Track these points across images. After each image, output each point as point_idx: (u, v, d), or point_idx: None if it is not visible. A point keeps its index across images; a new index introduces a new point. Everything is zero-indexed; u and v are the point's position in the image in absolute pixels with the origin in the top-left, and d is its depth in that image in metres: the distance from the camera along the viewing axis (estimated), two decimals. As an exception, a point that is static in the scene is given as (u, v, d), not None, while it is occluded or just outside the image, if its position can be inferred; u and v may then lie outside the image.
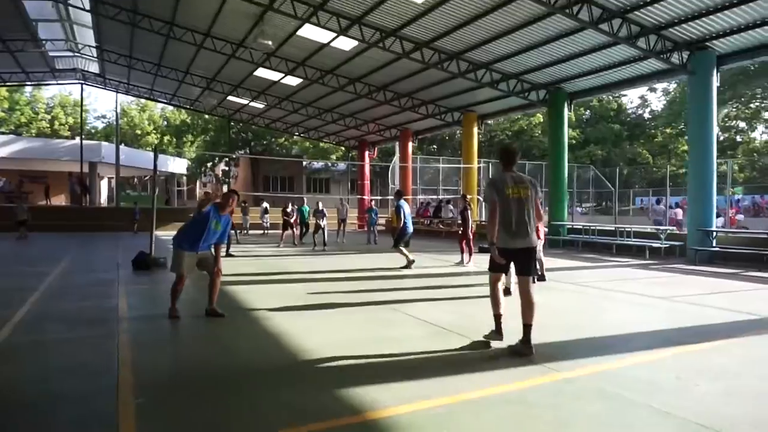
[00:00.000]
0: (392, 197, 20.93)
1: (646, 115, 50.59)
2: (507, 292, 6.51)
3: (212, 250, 6.20)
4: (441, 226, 23.36)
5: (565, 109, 17.14)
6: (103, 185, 39.68)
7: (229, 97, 24.65)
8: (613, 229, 15.95)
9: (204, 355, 4.59)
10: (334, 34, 15.21)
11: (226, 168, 39.77)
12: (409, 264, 10.70)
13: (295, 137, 36.88)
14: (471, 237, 11.98)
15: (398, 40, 14.54)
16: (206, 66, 20.85)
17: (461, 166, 27.27)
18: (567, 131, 17.22)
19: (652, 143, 49.75)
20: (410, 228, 11.20)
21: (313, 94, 22.54)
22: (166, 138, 51.07)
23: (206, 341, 5.21)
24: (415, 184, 28.17)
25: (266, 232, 25.14)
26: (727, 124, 48.09)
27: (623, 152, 43.63)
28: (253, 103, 25.50)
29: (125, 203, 28.04)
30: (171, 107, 55.97)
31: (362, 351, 4.56)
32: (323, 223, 15.71)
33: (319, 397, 3.45)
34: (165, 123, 54.50)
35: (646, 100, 49.27)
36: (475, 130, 21.60)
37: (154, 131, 51.63)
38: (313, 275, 9.74)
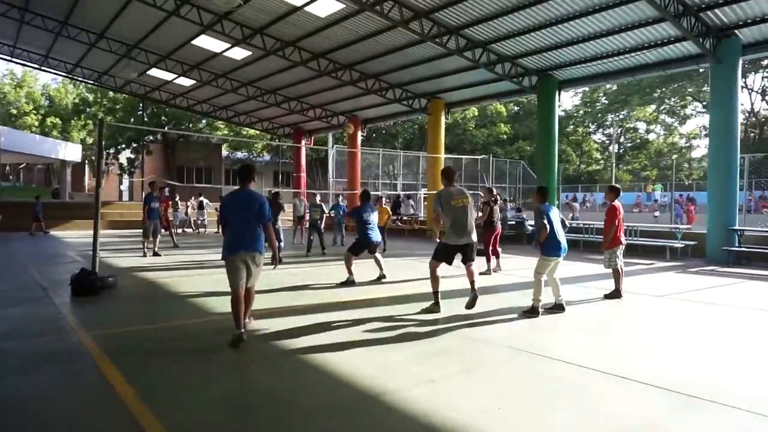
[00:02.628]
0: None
1: (560, 113, 52.44)
2: (561, 308, 6.36)
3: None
4: (400, 224, 21.45)
5: (556, 98, 15.92)
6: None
7: (152, 70, 20.62)
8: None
9: None
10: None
11: (132, 156, 34.52)
12: (347, 282, 8.31)
13: (217, 123, 32.82)
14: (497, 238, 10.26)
15: (397, 5, 12.27)
16: (131, 29, 16.92)
17: (420, 154, 25.75)
18: (557, 121, 15.99)
19: (569, 140, 51.89)
20: (373, 237, 8.64)
21: (260, 71, 19.39)
22: (50, 120, 43.79)
23: None
24: (364, 177, 26.00)
25: (201, 230, 21.63)
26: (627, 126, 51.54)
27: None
28: (180, 80, 21.63)
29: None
30: (56, 84, 48.54)
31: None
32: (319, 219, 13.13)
33: None
34: (48, 103, 46.86)
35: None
36: (443, 118, 19.87)
37: (34, 112, 44.07)
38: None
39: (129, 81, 22.77)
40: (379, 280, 8.72)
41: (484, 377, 3.98)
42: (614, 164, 41.76)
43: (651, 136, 51.47)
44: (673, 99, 44.07)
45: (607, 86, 42.86)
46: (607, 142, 53.24)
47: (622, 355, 4.56)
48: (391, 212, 22.55)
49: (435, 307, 6.20)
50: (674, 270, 10.66)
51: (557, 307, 6.31)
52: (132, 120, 31.97)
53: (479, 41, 14.07)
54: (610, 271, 7.59)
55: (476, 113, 41.14)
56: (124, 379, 3.80)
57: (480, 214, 10.22)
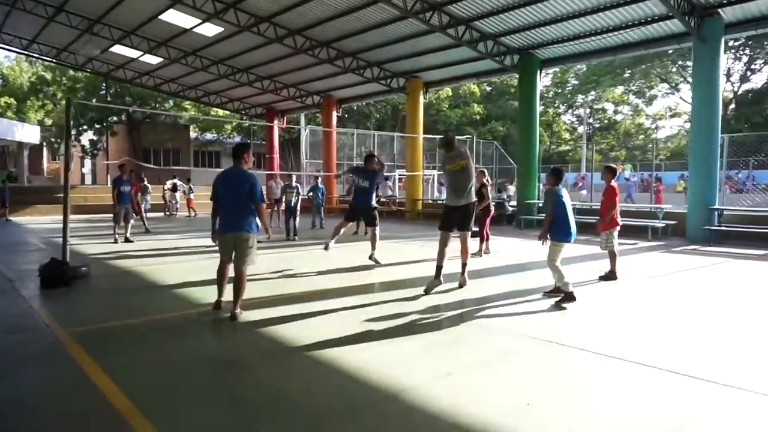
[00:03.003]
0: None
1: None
2: (559, 292, 5.99)
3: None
4: (378, 206, 21.10)
5: (538, 77, 15.76)
6: None
7: (116, 47, 19.54)
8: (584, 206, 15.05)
9: None
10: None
11: (95, 138, 32.97)
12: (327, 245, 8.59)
13: (185, 104, 31.60)
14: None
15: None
16: (93, 2, 15.87)
17: (395, 134, 25.41)
18: (538, 101, 15.85)
19: (540, 121, 52.33)
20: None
21: (232, 49, 18.59)
22: (4, 100, 41.36)
23: None
24: (338, 158, 25.49)
25: (173, 213, 20.85)
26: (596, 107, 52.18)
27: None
28: (146, 57, 20.59)
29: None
30: (9, 62, 45.78)
31: None
32: (294, 201, 12.65)
33: None
34: (1, 82, 44.22)
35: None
36: (421, 98, 19.52)
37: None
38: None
39: (91, 58, 21.58)
40: (371, 258, 8.43)
41: (503, 369, 3.77)
42: (585, 145, 42.28)
43: (619, 117, 52.31)
44: (640, 80, 44.70)
45: (578, 67, 43.13)
46: (577, 122, 53.88)
47: (641, 342, 4.42)
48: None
49: (435, 282, 6.36)
50: (659, 250, 10.72)
51: (557, 291, 6.12)
52: (94, 100, 30.47)
53: (462, 18, 13.72)
54: (605, 252, 7.51)
55: (450, 93, 40.85)
56: (113, 382, 3.43)
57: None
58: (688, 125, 48.84)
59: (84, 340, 4.41)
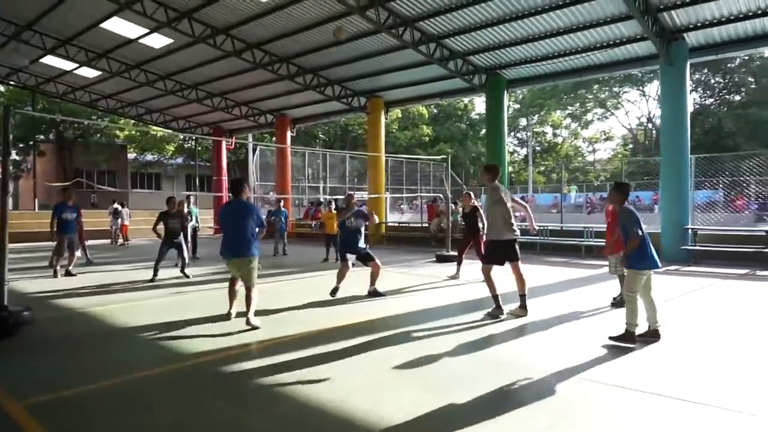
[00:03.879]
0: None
1: (475, 117, 53.62)
2: (656, 335, 5.13)
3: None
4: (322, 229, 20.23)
5: (505, 97, 15.65)
6: None
7: (47, 58, 17.75)
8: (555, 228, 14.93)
9: None
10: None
11: (18, 158, 29.98)
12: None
13: (122, 122, 29.40)
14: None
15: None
16: (23, 5, 14.25)
17: (347, 153, 24.81)
18: (505, 121, 15.69)
19: (484, 142, 53.30)
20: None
21: (181, 63, 17.34)
22: None
23: None
24: (294, 180, 24.48)
25: (123, 243, 18.97)
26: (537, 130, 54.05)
27: (467, 151, 45.28)
28: (81, 70, 18.87)
29: None
30: None
31: None
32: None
33: None
34: None
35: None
36: (382, 117, 19.00)
37: None
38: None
39: (17, 69, 19.53)
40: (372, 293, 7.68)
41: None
42: (531, 166, 43.41)
43: (558, 140, 54.38)
44: (577, 104, 46.67)
45: (519, 91, 44.49)
46: (518, 145, 55.38)
47: (727, 386, 3.88)
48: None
49: (498, 311, 6.19)
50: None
51: (651, 335, 5.03)
52: (17, 117, 27.77)
53: (433, 35, 13.38)
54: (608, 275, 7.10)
55: (399, 115, 40.82)
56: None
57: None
58: (621, 148, 51.98)
59: (44, 417, 3.32)
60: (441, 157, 15.02)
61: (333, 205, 13.86)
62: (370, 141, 19.26)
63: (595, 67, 14.22)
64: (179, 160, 35.83)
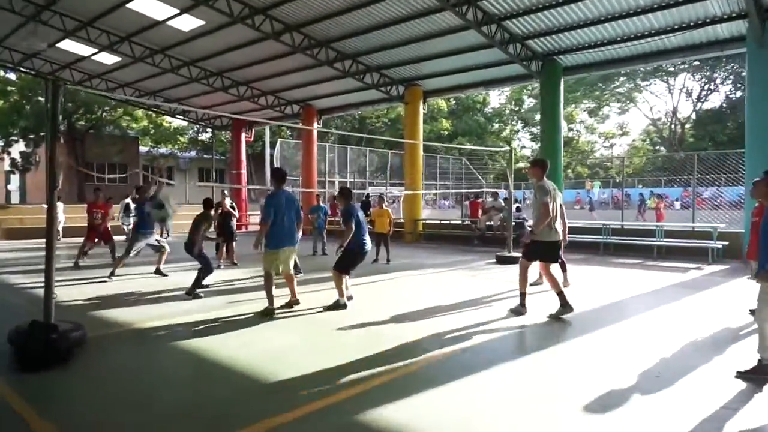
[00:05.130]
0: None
1: (488, 111, 52.34)
2: None
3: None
4: (371, 226, 19.13)
5: (561, 87, 14.48)
6: None
7: (64, 42, 16.59)
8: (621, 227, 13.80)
9: None
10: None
11: (27, 150, 28.82)
12: (339, 304, 6.45)
13: (138, 112, 28.30)
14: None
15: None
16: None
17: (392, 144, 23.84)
18: (561, 112, 14.52)
19: (498, 138, 52.07)
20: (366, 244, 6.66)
21: (209, 48, 16.19)
22: None
23: None
24: (321, 174, 23.36)
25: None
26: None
27: (486, 145, 44.05)
28: (101, 56, 17.72)
29: None
30: None
31: None
32: None
33: None
34: None
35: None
36: (421, 108, 17.85)
37: None
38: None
39: (33, 54, 18.37)
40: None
41: None
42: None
43: (571, 135, 53.14)
44: (597, 97, 45.42)
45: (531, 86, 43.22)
46: (533, 140, 54.12)
47: None
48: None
49: (522, 309, 6.13)
50: (739, 275, 9.41)
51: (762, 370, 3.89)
52: (28, 107, 26.67)
53: (494, 15, 12.22)
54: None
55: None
56: None
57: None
58: (639, 143, 50.70)
59: None
60: (505, 148, 13.82)
61: (383, 200, 12.78)
62: (408, 133, 18.10)
63: (666, 52, 13.05)
64: (192, 153, 34.69)
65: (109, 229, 11.28)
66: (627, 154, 45.85)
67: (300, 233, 6.34)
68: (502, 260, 11.56)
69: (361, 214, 6.60)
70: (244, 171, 26.06)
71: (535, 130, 52.79)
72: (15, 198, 37.39)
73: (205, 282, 7.56)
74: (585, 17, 12.04)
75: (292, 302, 6.43)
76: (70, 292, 7.62)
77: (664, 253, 12.35)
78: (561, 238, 6.09)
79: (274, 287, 6.19)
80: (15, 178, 37.29)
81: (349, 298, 6.66)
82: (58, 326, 4.72)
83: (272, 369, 4.19)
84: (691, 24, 11.72)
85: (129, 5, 13.61)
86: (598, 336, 5.24)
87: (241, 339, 5.15)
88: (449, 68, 15.98)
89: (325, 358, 4.44)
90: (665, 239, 12.45)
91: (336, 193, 7.59)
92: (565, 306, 5.91)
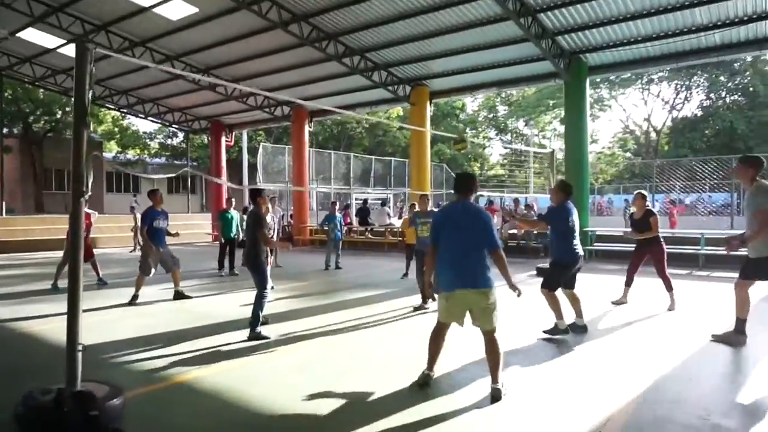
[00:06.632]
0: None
1: (464, 117, 51.94)
2: None
3: None
4: (371, 236, 17.86)
5: (587, 86, 13.66)
6: None
7: (27, 32, 14.60)
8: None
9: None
10: None
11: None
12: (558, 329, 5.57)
13: (103, 113, 25.96)
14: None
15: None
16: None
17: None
18: (587, 114, 13.67)
19: (476, 145, 51.57)
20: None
21: (198, 40, 14.57)
22: None
23: None
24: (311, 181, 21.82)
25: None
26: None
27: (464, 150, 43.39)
28: (68, 48, 15.70)
29: None
30: None
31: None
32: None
33: None
34: None
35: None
36: (428, 109, 16.72)
37: None
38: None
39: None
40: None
41: None
42: (531, 168, 42.01)
43: (545, 141, 53.34)
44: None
45: (510, 93, 43.03)
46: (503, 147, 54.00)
47: None
48: (358, 221, 18.93)
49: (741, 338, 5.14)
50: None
51: None
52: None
53: (531, 6, 11.22)
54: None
55: (400, 113, 38.65)
56: None
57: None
58: (607, 150, 51.36)
59: None
60: (548, 150, 12.80)
61: (410, 209, 11.48)
62: (414, 136, 16.94)
63: (700, 51, 12.39)
64: (162, 159, 32.37)
65: (90, 243, 9.54)
66: (602, 161, 46.25)
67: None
68: (543, 272, 10.47)
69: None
70: (224, 177, 24.24)
71: (508, 137, 52.83)
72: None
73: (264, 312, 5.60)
74: (619, 12, 11.24)
75: (423, 375, 4.03)
76: (104, 329, 5.98)
77: (706, 262, 11.63)
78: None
79: (490, 365, 3.87)
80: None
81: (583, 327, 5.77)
82: (95, 395, 3.24)
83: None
84: (736, 21, 11.07)
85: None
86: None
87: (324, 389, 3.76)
88: (460, 66, 14.89)
89: None
90: (707, 247, 11.70)
91: (553, 186, 6.27)
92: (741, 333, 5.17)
